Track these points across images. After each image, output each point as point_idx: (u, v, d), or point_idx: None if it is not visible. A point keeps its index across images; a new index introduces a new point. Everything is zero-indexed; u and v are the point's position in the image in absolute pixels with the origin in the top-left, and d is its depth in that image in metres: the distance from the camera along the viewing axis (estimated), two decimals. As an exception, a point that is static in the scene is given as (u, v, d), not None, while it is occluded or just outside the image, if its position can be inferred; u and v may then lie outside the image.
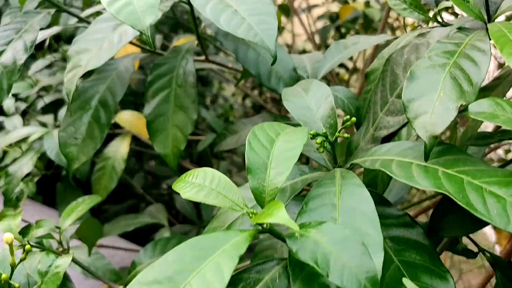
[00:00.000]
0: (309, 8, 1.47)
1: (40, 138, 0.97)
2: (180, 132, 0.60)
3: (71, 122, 0.62)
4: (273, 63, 0.45)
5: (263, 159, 0.33)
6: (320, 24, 1.62)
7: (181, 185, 0.34)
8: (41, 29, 0.60)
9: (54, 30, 0.66)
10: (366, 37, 0.58)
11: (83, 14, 0.73)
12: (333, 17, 1.43)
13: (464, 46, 0.39)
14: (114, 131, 1.05)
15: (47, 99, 1.31)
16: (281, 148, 0.34)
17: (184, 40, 0.80)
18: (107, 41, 0.53)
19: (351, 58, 1.54)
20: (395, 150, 0.38)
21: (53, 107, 1.32)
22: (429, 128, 0.35)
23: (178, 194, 1.07)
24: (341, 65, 1.62)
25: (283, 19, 1.73)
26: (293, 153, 0.34)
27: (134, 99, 1.32)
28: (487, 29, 0.40)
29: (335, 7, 1.63)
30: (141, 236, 1.31)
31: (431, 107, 0.35)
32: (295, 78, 0.55)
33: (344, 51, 0.56)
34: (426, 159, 0.35)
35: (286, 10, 1.57)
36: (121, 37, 0.52)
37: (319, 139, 0.37)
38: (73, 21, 0.79)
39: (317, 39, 1.61)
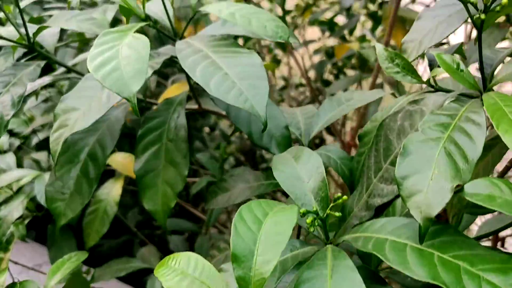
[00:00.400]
0: (306, 43, 1.47)
1: (32, 180, 0.96)
2: (170, 188, 0.58)
3: (59, 176, 0.61)
4: (263, 130, 0.44)
5: (249, 245, 0.32)
6: (317, 58, 1.63)
7: (163, 271, 0.32)
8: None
9: (45, 80, 0.66)
10: (360, 92, 0.57)
11: (72, 62, 0.72)
12: (329, 52, 1.44)
13: (458, 118, 0.38)
14: (106, 167, 1.03)
15: (42, 135, 1.30)
16: (269, 231, 0.33)
17: (178, 87, 0.79)
18: (95, 100, 0.51)
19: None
20: (388, 227, 0.36)
21: (47, 143, 1.31)
22: (423, 209, 0.33)
23: (173, 233, 1.04)
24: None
25: (280, 51, 1.73)
26: (281, 237, 0.32)
27: (128, 131, 1.30)
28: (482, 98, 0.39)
29: (332, 41, 1.63)
30: (134, 275, 1.28)
31: (425, 186, 0.34)
32: (287, 136, 0.54)
33: (337, 108, 0.54)
34: (421, 241, 0.33)
35: (282, 45, 1.58)
36: (110, 97, 0.51)
37: (309, 218, 0.35)
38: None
39: (314, 72, 1.61)
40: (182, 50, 0.49)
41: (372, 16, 1.32)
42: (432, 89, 0.45)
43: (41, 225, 1.18)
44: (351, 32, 1.38)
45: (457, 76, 0.39)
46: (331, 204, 0.37)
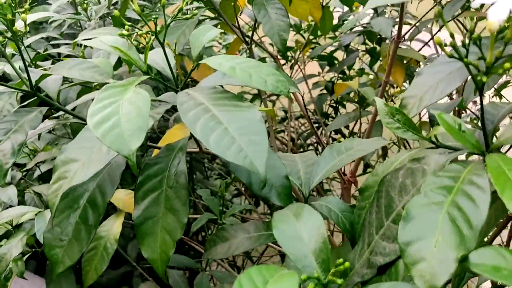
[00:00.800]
0: (305, 77, 1.49)
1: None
2: (169, 236, 0.57)
3: (58, 222, 0.60)
4: (263, 187, 0.43)
5: (249, 319, 0.31)
6: (317, 90, 1.64)
7: None
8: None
9: (46, 125, 0.66)
10: (360, 141, 0.56)
11: (74, 104, 0.73)
12: (328, 87, 1.45)
13: (461, 181, 0.37)
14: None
15: (44, 167, 1.30)
16: (269, 302, 0.32)
17: (179, 128, 0.79)
18: (96, 152, 0.51)
19: (347, 126, 1.55)
20: (392, 294, 0.36)
21: (49, 175, 1.31)
22: (428, 279, 0.33)
23: (172, 267, 1.03)
24: (337, 131, 1.62)
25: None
26: (282, 310, 0.31)
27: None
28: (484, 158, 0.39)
29: (332, 73, 1.65)
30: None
31: (429, 254, 0.33)
32: (287, 187, 0.53)
33: (337, 158, 0.54)
34: (426, 313, 0.33)
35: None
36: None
37: (310, 285, 0.35)
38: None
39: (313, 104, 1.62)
40: (183, 103, 0.49)
41: (370, 52, 1.33)
42: (434, 146, 0.45)
43: (41, 256, 1.17)
44: (349, 68, 1.39)
45: (459, 137, 0.39)
46: (333, 269, 0.36)
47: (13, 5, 0.54)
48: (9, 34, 0.57)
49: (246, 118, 0.46)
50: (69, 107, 0.74)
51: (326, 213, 0.50)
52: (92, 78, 0.59)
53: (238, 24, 0.91)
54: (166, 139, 0.79)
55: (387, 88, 1.39)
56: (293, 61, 1.53)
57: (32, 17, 0.67)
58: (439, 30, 1.16)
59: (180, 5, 0.53)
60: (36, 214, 0.96)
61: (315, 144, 1.73)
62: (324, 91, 1.55)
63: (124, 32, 0.50)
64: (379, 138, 0.57)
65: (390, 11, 1.34)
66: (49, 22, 1.38)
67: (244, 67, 0.49)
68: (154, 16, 0.50)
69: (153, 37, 0.50)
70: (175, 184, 0.59)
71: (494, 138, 0.48)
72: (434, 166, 0.41)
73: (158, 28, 0.51)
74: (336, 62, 1.52)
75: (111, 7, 1.12)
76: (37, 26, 1.64)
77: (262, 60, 1.60)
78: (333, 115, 1.67)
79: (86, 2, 1.08)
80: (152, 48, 0.58)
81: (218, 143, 0.44)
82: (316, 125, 1.63)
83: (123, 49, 0.50)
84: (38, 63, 1.04)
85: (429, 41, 1.23)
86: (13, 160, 0.55)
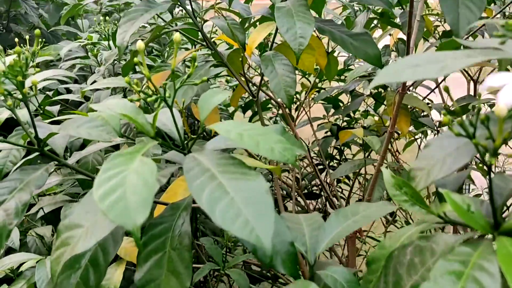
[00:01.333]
0: (310, 120, 1.49)
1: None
2: (171, 300, 0.56)
3: (58, 283, 0.59)
4: (268, 264, 0.43)
5: None
6: (321, 133, 1.64)
7: None
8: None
9: (52, 182, 0.66)
10: (366, 206, 0.56)
11: (79, 155, 0.73)
12: (333, 130, 1.45)
13: (471, 266, 0.36)
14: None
15: (47, 209, 1.30)
16: None
17: (183, 179, 0.79)
18: (101, 216, 0.51)
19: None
20: None
21: (53, 215, 1.31)
22: None
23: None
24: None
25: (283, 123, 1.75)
26: None
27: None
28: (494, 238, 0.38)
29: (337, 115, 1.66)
30: None
31: None
32: (293, 254, 0.52)
33: (344, 224, 0.54)
34: None
35: (285, 119, 1.60)
36: (115, 213, 0.50)
37: None
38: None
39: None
40: (190, 170, 0.48)
41: (375, 96, 1.34)
42: (442, 221, 0.44)
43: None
44: (354, 112, 1.40)
45: (467, 218, 0.39)
46: None
47: (23, 67, 0.55)
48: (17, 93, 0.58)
49: (253, 188, 0.46)
50: (74, 158, 0.74)
51: (332, 284, 0.49)
52: (100, 137, 0.59)
53: (245, 73, 0.92)
54: (171, 190, 0.79)
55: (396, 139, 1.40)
56: (298, 103, 1.54)
57: (41, 75, 0.68)
58: (443, 80, 1.17)
59: (188, 57, 0.54)
60: (37, 262, 0.96)
61: (319, 186, 1.72)
62: (329, 133, 1.56)
63: (134, 97, 0.51)
64: (386, 203, 0.57)
65: (395, 58, 1.36)
66: (61, 60, 1.40)
67: (251, 134, 0.49)
68: (164, 83, 0.50)
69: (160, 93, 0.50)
70: (179, 245, 0.58)
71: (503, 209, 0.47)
72: (443, 246, 0.40)
73: (167, 90, 0.51)
74: (341, 104, 1.53)
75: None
76: (48, 63, 1.67)
77: (267, 101, 1.62)
78: (338, 157, 1.66)
79: (96, 48, 1.11)
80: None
81: (223, 215, 0.43)
82: (321, 167, 1.62)
83: (131, 115, 0.50)
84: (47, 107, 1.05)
85: (434, 89, 1.24)
86: (17, 221, 0.55)
